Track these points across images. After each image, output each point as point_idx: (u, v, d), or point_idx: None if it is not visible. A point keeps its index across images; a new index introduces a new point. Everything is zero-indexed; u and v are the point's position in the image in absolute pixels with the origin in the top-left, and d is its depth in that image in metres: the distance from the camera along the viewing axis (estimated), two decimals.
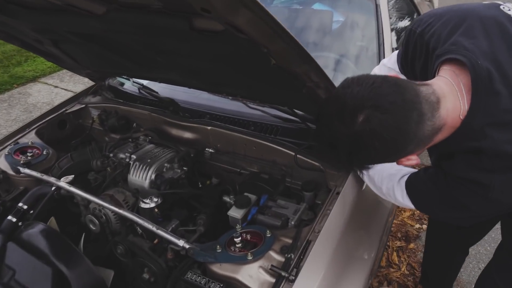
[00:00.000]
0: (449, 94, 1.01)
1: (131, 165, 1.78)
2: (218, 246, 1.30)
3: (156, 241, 1.45)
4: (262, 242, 1.30)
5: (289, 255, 1.23)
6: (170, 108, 2.06)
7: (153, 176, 1.72)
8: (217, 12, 0.87)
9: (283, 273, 1.17)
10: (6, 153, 1.89)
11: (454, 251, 1.96)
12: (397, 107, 0.91)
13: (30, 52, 2.47)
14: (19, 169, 1.77)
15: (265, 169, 1.79)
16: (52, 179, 1.67)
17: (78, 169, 1.90)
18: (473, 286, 1.89)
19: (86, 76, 2.36)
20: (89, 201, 1.60)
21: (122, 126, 2.17)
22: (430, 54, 1.17)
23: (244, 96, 1.82)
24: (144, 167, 1.74)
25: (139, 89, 2.24)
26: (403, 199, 1.29)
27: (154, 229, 1.38)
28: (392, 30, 2.46)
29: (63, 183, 1.63)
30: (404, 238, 2.79)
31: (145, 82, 2.25)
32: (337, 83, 1.25)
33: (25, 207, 1.61)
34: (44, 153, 1.93)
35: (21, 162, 1.81)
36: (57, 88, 5.29)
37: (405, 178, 1.28)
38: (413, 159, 1.04)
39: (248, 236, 1.35)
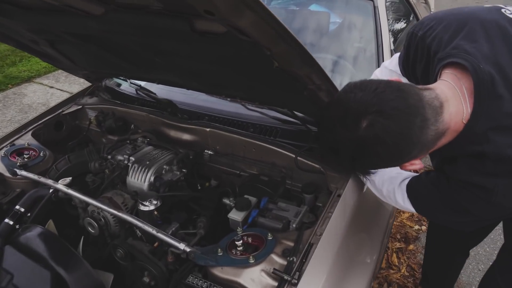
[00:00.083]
0: (452, 98, 1.00)
1: (130, 167, 1.77)
2: (219, 250, 1.29)
3: (156, 244, 1.43)
4: (264, 245, 1.29)
5: (291, 258, 1.22)
6: (168, 110, 2.04)
7: (152, 178, 1.70)
8: (220, 14, 0.86)
9: (285, 277, 1.16)
10: (2, 155, 1.86)
11: (455, 253, 1.96)
12: (401, 112, 0.91)
13: (24, 52, 2.44)
14: (15, 171, 1.75)
15: (265, 171, 1.79)
16: (49, 182, 1.65)
17: (75, 171, 1.89)
18: None
19: (83, 77, 2.33)
20: (88, 204, 1.59)
21: (119, 128, 2.16)
22: (431, 58, 1.17)
23: (243, 98, 1.81)
24: (143, 169, 1.72)
25: (136, 90, 2.22)
26: (403, 202, 1.28)
27: (154, 232, 1.37)
28: (389, 31, 2.46)
29: (61, 185, 1.61)
30: (403, 239, 2.79)
31: (142, 83, 2.23)
32: (334, 84, 1.25)
33: (22, 209, 1.59)
34: (41, 154, 1.91)
35: (18, 164, 1.79)
36: (53, 88, 5.25)
37: (406, 181, 1.28)
38: (417, 163, 1.04)
39: (249, 239, 1.35)
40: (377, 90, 0.92)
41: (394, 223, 2.91)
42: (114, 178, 1.79)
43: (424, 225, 2.88)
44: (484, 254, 2.60)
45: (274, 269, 1.19)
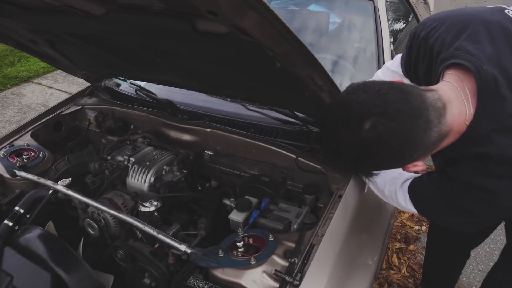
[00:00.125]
0: (454, 99, 1.00)
1: (130, 168, 1.76)
2: (220, 251, 1.28)
3: (156, 245, 1.42)
4: (265, 247, 1.29)
5: (292, 260, 1.22)
6: (168, 110, 2.04)
7: (152, 179, 1.69)
8: (224, 15, 0.85)
9: (287, 278, 1.15)
10: (1, 156, 1.86)
11: (456, 254, 1.95)
12: (404, 114, 0.90)
13: (23, 52, 2.43)
14: (15, 172, 1.74)
15: (266, 171, 1.78)
16: (49, 183, 1.64)
17: (75, 172, 1.88)
18: None
19: (82, 77, 2.33)
20: (88, 205, 1.58)
21: (119, 128, 2.15)
22: (434, 58, 1.16)
23: (244, 99, 1.80)
24: (143, 170, 1.71)
25: (136, 90, 2.21)
26: (405, 203, 1.28)
27: (155, 233, 1.36)
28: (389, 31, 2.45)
29: (60, 186, 1.60)
30: (403, 239, 2.79)
31: (142, 84, 2.22)
32: (336, 85, 1.25)
33: (22, 211, 1.58)
34: (40, 155, 1.90)
35: (17, 165, 1.78)
36: (51, 88, 5.24)
37: (408, 182, 1.27)
38: (419, 165, 1.04)
39: (251, 240, 1.34)
40: (380, 91, 0.92)
41: (394, 223, 2.91)
42: (114, 179, 1.78)
43: (424, 226, 2.88)
44: (484, 254, 2.60)
45: (276, 270, 1.19)
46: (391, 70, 1.50)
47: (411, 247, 2.73)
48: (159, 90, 2.17)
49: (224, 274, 1.23)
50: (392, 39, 2.49)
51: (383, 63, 2.15)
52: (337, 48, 2.44)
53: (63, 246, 1.40)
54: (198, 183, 1.88)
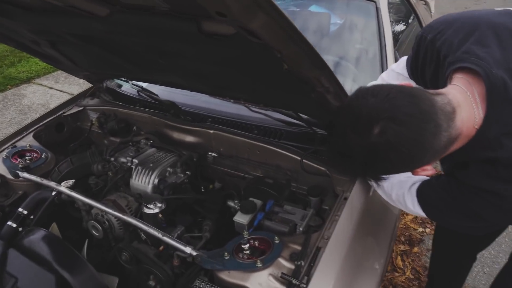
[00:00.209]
0: (463, 103, 0.99)
1: (133, 169, 1.75)
2: (226, 253, 1.28)
3: (161, 247, 1.42)
4: (271, 249, 1.28)
5: (299, 262, 1.21)
6: (171, 111, 2.03)
7: (156, 181, 1.69)
8: (233, 16, 0.85)
9: (294, 281, 1.15)
10: (4, 157, 1.85)
11: (462, 257, 1.94)
12: (413, 118, 0.89)
13: (23, 53, 2.43)
14: (18, 173, 1.73)
15: (269, 173, 1.77)
16: (52, 184, 1.64)
17: (78, 173, 1.87)
18: None
19: (84, 78, 2.32)
20: (91, 207, 1.57)
21: (121, 129, 2.14)
22: (441, 62, 1.16)
23: (248, 100, 1.79)
24: (147, 172, 1.71)
25: (138, 91, 2.21)
26: (413, 207, 1.27)
27: (160, 235, 1.35)
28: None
29: (64, 188, 1.60)
30: (407, 242, 2.77)
31: (144, 85, 2.22)
32: (343, 87, 1.24)
33: (25, 212, 1.58)
34: (42, 156, 1.89)
35: (20, 166, 1.77)
36: (52, 89, 5.23)
37: (416, 185, 1.26)
38: (429, 169, 1.03)
39: (256, 243, 1.33)
40: (389, 95, 0.91)
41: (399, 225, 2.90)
42: (117, 181, 1.77)
43: (428, 227, 2.87)
44: (489, 257, 2.59)
45: (282, 273, 1.18)
46: (396, 72, 1.49)
47: (415, 249, 2.72)
48: (161, 91, 2.16)
49: (230, 276, 1.23)
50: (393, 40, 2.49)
51: (386, 64, 2.14)
52: (338, 49, 2.43)
53: (67, 247, 1.40)
54: (201, 184, 1.87)
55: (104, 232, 1.56)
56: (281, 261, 1.24)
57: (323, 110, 1.37)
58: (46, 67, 5.67)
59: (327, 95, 1.25)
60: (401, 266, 2.59)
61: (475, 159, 1.07)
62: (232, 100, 1.93)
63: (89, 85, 2.44)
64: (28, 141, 2.00)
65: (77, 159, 1.94)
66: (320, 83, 1.17)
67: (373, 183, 1.46)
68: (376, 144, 0.90)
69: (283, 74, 1.15)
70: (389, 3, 2.62)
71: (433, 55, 1.20)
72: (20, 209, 1.57)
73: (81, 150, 2.12)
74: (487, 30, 1.08)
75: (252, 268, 1.21)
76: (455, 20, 1.18)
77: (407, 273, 2.53)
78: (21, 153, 1.90)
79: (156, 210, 1.50)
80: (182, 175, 1.76)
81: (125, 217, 1.46)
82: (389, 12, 2.60)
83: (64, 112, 2.26)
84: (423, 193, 1.24)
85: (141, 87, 2.19)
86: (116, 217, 1.51)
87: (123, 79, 2.25)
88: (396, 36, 2.72)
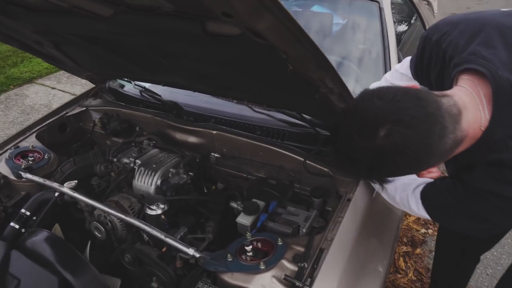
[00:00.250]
0: (469, 105, 0.98)
1: (136, 170, 1.75)
2: (229, 255, 1.27)
3: (164, 249, 1.41)
4: (274, 251, 1.27)
5: (302, 264, 1.20)
6: (173, 112, 2.03)
7: (159, 182, 1.68)
8: (239, 17, 0.84)
9: (297, 283, 1.14)
10: (7, 157, 1.84)
11: (466, 259, 1.93)
12: (420, 121, 0.89)
13: (26, 53, 2.43)
14: (20, 174, 1.73)
15: (273, 174, 1.77)
16: (55, 185, 1.63)
17: (81, 174, 1.87)
18: None
19: (86, 78, 2.32)
20: (94, 208, 1.57)
21: (124, 130, 2.14)
22: (447, 63, 1.15)
23: (251, 101, 1.79)
24: (150, 173, 1.70)
25: (141, 92, 2.21)
26: (418, 209, 1.26)
27: (162, 237, 1.35)
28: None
29: (66, 188, 1.59)
30: (410, 243, 2.76)
31: (147, 85, 2.21)
32: (348, 88, 1.23)
33: (28, 213, 1.57)
34: (45, 157, 1.89)
35: (23, 166, 1.77)
36: (54, 89, 5.23)
37: (420, 187, 1.26)
38: (434, 171, 1.03)
39: (259, 244, 1.32)
40: (395, 98, 0.91)
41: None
42: (120, 182, 1.77)
43: (431, 229, 2.86)
44: (492, 258, 2.58)
45: (286, 275, 1.17)
46: (400, 72, 1.49)
47: (418, 250, 2.71)
48: (164, 92, 2.16)
49: (233, 278, 1.22)
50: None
51: (390, 65, 2.14)
52: (341, 49, 2.43)
53: (70, 249, 1.39)
54: (204, 185, 1.87)
55: (107, 233, 1.56)
56: (284, 262, 1.23)
57: (327, 111, 1.37)
58: (48, 67, 5.68)
59: (331, 96, 1.24)
60: (404, 268, 2.58)
61: (481, 161, 1.06)
62: (235, 101, 1.92)
63: (92, 85, 2.44)
64: (30, 141, 2.00)
65: (80, 160, 1.94)
66: (324, 84, 1.16)
67: (377, 186, 1.45)
68: (382, 147, 0.90)
69: (287, 75, 1.14)
70: (392, 3, 2.62)
71: (438, 56, 1.19)
72: (22, 210, 1.56)
73: (83, 150, 2.12)
74: (493, 31, 1.08)
75: (255, 270, 1.21)
76: (461, 21, 1.17)
77: (410, 275, 2.52)
78: (23, 154, 1.89)
79: (159, 211, 1.50)
80: (185, 176, 1.75)
81: (127, 219, 1.45)
82: (392, 12, 2.59)
83: (66, 113, 2.26)
84: (428, 195, 1.23)
85: (144, 87, 2.18)
86: (118, 218, 1.51)
87: (126, 79, 2.25)
88: (399, 36, 2.71)
